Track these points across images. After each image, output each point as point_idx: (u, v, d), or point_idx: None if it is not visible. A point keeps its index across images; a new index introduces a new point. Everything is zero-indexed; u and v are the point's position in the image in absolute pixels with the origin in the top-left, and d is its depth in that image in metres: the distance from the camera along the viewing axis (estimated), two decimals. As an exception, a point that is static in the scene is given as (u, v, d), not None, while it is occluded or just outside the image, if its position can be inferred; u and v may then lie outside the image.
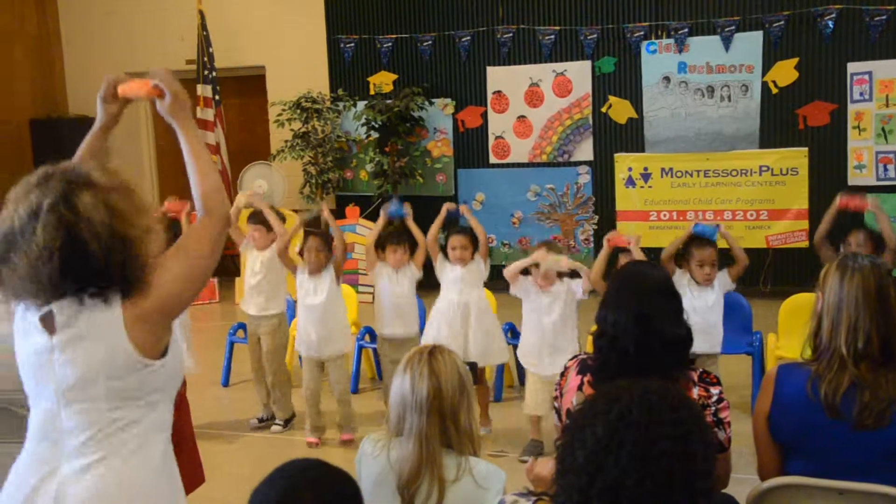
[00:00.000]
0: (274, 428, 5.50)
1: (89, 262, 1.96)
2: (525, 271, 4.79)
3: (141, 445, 2.06)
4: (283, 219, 5.66)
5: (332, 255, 5.12)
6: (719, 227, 4.72)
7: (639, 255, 4.45)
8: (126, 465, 2.03)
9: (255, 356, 5.60)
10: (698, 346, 4.38)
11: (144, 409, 2.06)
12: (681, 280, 4.68)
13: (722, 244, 4.81)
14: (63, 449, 2.02)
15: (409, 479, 2.30)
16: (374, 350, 6.06)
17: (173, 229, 4.49)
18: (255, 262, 5.53)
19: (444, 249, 5.21)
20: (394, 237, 5.26)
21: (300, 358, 5.62)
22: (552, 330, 4.78)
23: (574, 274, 4.83)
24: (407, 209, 5.35)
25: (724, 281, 4.70)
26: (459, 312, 5.04)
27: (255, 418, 5.61)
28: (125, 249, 1.99)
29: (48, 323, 2.01)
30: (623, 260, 4.69)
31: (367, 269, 5.34)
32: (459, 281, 5.08)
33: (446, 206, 5.30)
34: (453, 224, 5.33)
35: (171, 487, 2.14)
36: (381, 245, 5.27)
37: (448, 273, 5.14)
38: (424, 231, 5.23)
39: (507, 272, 4.79)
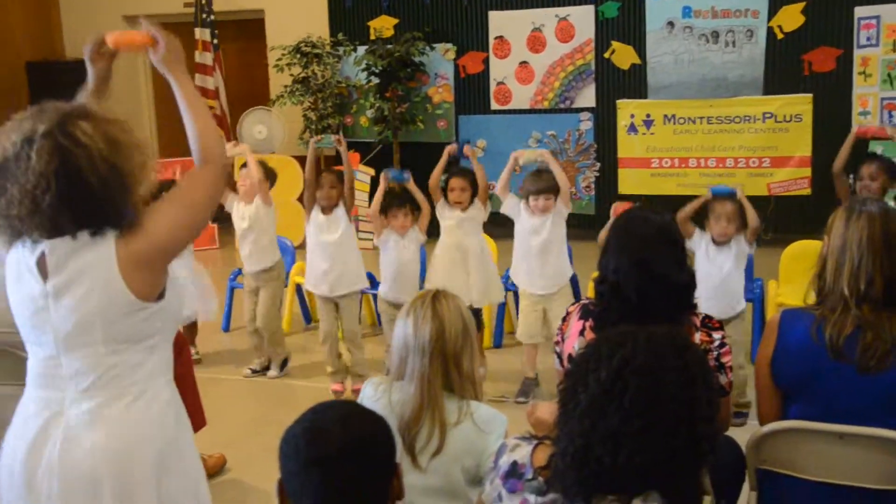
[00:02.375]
0: (270, 373, 5.51)
1: (86, 191, 1.93)
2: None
3: (144, 389, 2.06)
4: (271, 174, 5.54)
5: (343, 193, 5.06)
6: (736, 191, 4.62)
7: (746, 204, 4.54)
8: (131, 410, 2.03)
9: (251, 307, 5.53)
10: (714, 309, 4.40)
11: (145, 353, 2.06)
12: (699, 241, 4.59)
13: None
14: (67, 394, 2.02)
15: (411, 422, 2.31)
16: (374, 296, 6.06)
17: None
18: (241, 219, 5.39)
19: (444, 191, 5.18)
20: (395, 202, 5.20)
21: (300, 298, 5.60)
22: (541, 249, 4.88)
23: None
24: (407, 174, 5.31)
25: (741, 246, 4.56)
26: (458, 257, 5.04)
27: (248, 368, 5.59)
28: (122, 182, 1.97)
29: (42, 267, 1.99)
30: (620, 209, 4.69)
31: (375, 236, 5.28)
32: (458, 226, 5.07)
33: (448, 149, 5.23)
34: (454, 165, 5.28)
35: (178, 428, 2.14)
36: (384, 211, 5.22)
37: (447, 217, 5.12)
38: (425, 181, 5.17)
39: (499, 187, 4.98)
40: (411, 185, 5.23)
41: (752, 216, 4.53)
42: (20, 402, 2.10)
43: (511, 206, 4.96)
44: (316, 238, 5.09)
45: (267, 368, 5.58)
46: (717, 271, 4.51)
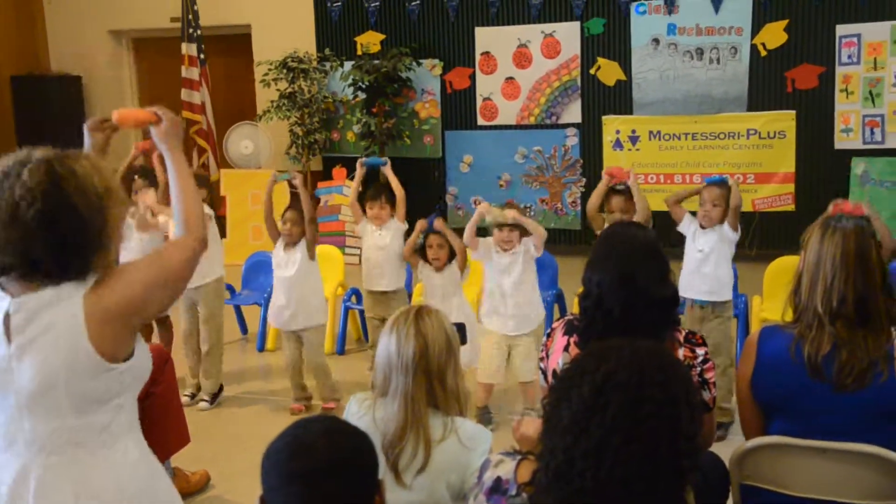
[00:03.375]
0: (202, 404, 5.26)
1: (70, 217, 1.92)
2: (485, 233, 4.83)
3: (113, 451, 2.02)
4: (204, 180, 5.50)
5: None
6: (727, 178, 4.71)
7: (636, 190, 4.65)
8: (100, 469, 2.00)
9: (190, 324, 5.34)
10: (696, 291, 4.57)
11: (112, 413, 2.02)
12: (689, 225, 4.73)
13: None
14: (32, 458, 1.98)
15: (394, 440, 2.30)
16: (361, 312, 6.06)
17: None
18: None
19: (422, 251, 5.13)
20: (370, 193, 5.20)
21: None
22: (512, 290, 4.79)
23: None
24: (384, 159, 5.31)
25: (725, 229, 4.60)
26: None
27: (185, 394, 5.23)
28: (103, 227, 1.98)
29: (6, 327, 1.95)
30: (615, 201, 4.76)
31: (354, 224, 5.32)
32: (436, 289, 5.04)
33: (419, 225, 5.11)
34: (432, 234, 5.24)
35: (152, 481, 2.11)
36: (362, 202, 5.22)
37: (425, 281, 5.11)
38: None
39: (465, 237, 4.84)
40: (388, 171, 5.23)
41: (735, 195, 4.59)
42: None
43: (482, 249, 4.85)
44: (276, 272, 5.09)
45: (195, 395, 5.35)
46: (700, 253, 4.63)
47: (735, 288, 5.54)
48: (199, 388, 5.37)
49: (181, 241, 2.16)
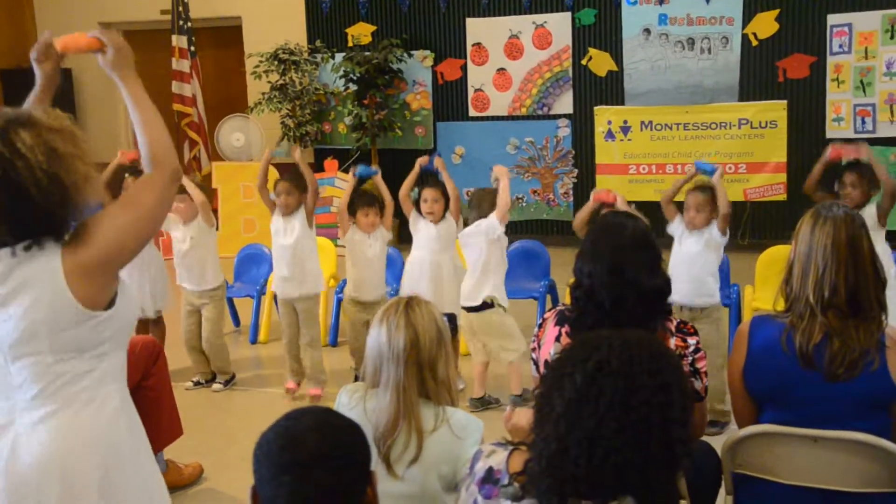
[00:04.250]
0: (215, 386, 5.41)
1: (25, 202, 1.90)
2: None
3: (93, 397, 2.03)
4: (204, 190, 5.45)
5: (304, 199, 5.05)
6: (717, 168, 4.66)
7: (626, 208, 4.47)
8: (79, 417, 2.01)
9: (192, 325, 5.39)
10: (682, 294, 4.45)
11: (93, 361, 2.03)
12: (678, 226, 4.67)
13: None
14: (15, 404, 2.00)
15: (387, 431, 2.29)
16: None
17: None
18: (183, 239, 5.29)
19: (417, 204, 5.16)
20: (364, 200, 5.19)
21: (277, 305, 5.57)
22: (481, 265, 4.84)
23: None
24: (375, 168, 5.32)
25: (713, 233, 4.55)
26: (430, 273, 5.03)
27: (190, 381, 5.45)
28: (63, 194, 1.94)
29: None
30: (602, 197, 4.68)
31: (340, 234, 5.29)
32: (431, 241, 5.06)
33: (419, 162, 5.20)
34: (428, 178, 5.27)
35: (130, 435, 2.11)
36: (352, 209, 5.21)
37: (421, 231, 5.11)
38: (397, 189, 5.17)
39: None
40: (378, 180, 5.24)
41: (723, 203, 4.52)
42: None
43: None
44: (275, 240, 5.15)
45: (211, 381, 5.47)
46: (686, 255, 4.58)
47: (727, 279, 5.55)
48: (208, 378, 5.49)
49: (150, 179, 2.08)
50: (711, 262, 4.61)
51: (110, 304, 2.03)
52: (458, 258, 5.22)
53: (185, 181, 5.25)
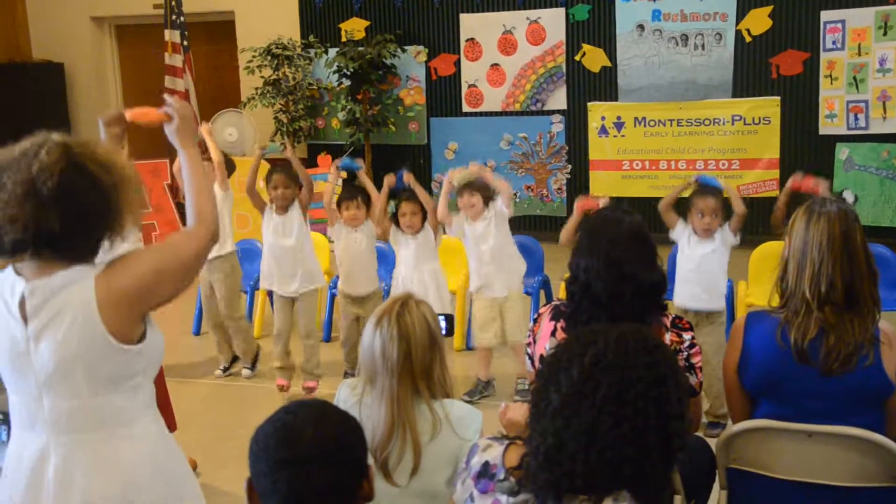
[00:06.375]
0: (244, 372, 5.48)
1: (84, 195, 1.93)
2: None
3: (132, 430, 2.05)
4: (230, 163, 5.48)
5: (298, 193, 5.03)
6: (722, 188, 4.58)
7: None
8: (121, 450, 2.02)
9: (210, 304, 5.46)
10: (695, 302, 4.46)
11: (128, 393, 2.04)
12: (682, 232, 4.56)
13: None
14: (50, 437, 2.00)
15: (382, 442, 2.28)
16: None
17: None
18: None
19: (395, 218, 5.14)
20: (344, 194, 5.17)
21: (271, 300, 5.56)
22: (491, 254, 4.87)
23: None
24: (360, 162, 5.29)
25: (725, 235, 4.49)
26: (414, 288, 5.00)
27: (218, 369, 5.57)
28: (118, 209, 1.98)
29: (23, 310, 1.96)
30: (585, 203, 4.65)
31: (329, 227, 5.29)
32: (412, 255, 5.05)
33: (387, 182, 5.12)
34: (402, 191, 5.24)
35: (170, 461, 2.13)
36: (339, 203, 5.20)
37: (402, 246, 5.10)
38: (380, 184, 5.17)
39: (439, 212, 4.94)
40: (362, 175, 5.21)
41: (738, 204, 4.49)
42: (10, 444, 2.08)
43: (456, 224, 4.94)
44: (273, 240, 5.06)
45: (234, 361, 5.54)
46: (697, 261, 4.48)
47: (728, 287, 5.50)
48: (231, 361, 5.55)
49: (193, 232, 2.15)
50: (723, 265, 4.53)
51: (141, 338, 2.04)
52: (439, 271, 5.17)
53: (207, 138, 5.22)
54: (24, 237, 1.92)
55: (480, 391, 4.99)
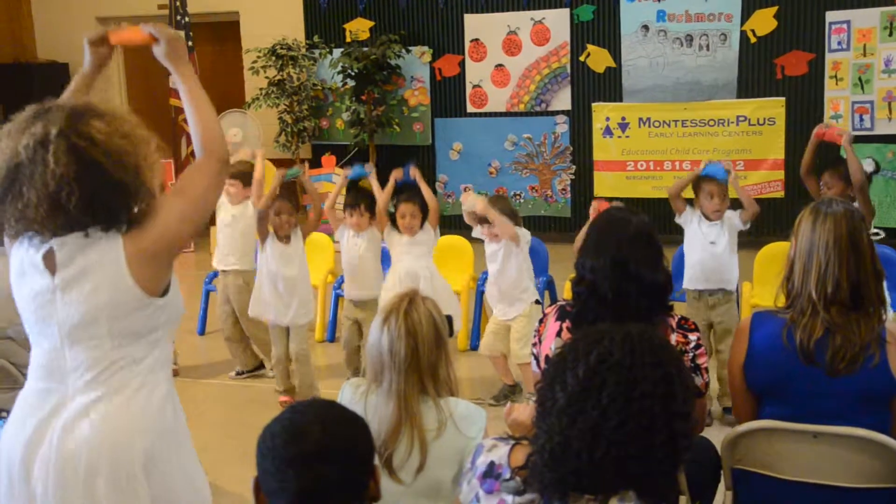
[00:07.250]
0: (270, 374, 5.40)
1: (109, 189, 1.95)
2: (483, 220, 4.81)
3: (144, 383, 2.07)
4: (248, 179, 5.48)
5: (302, 219, 5.02)
6: (730, 171, 4.60)
7: None
8: (130, 402, 2.04)
9: (226, 315, 5.45)
10: (708, 282, 4.52)
11: (148, 347, 2.07)
12: (691, 216, 4.63)
13: (732, 194, 4.68)
14: (68, 387, 2.03)
15: (389, 437, 2.29)
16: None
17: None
18: (225, 216, 5.38)
19: (392, 217, 5.11)
20: (349, 201, 5.13)
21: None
22: (496, 277, 4.82)
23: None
24: (369, 168, 5.27)
25: (734, 219, 4.57)
26: (408, 282, 4.95)
27: (233, 372, 5.56)
28: (138, 177, 2.00)
29: (49, 262, 1.99)
30: (600, 207, 4.66)
31: (333, 230, 5.27)
32: (407, 252, 5.01)
33: (394, 176, 5.10)
34: (403, 190, 5.19)
35: (174, 421, 2.15)
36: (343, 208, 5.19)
37: (396, 244, 5.05)
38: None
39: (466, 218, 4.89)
40: (373, 179, 5.19)
41: (745, 201, 4.53)
42: (20, 394, 2.10)
43: (478, 232, 4.91)
44: (274, 268, 4.92)
45: (259, 367, 5.56)
46: (708, 245, 4.54)
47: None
48: (256, 366, 5.57)
49: (202, 165, 2.14)
50: (734, 247, 4.60)
51: (165, 291, 2.08)
52: (435, 268, 5.12)
53: (257, 156, 5.34)
54: (64, 226, 1.97)
55: (506, 394, 4.93)
